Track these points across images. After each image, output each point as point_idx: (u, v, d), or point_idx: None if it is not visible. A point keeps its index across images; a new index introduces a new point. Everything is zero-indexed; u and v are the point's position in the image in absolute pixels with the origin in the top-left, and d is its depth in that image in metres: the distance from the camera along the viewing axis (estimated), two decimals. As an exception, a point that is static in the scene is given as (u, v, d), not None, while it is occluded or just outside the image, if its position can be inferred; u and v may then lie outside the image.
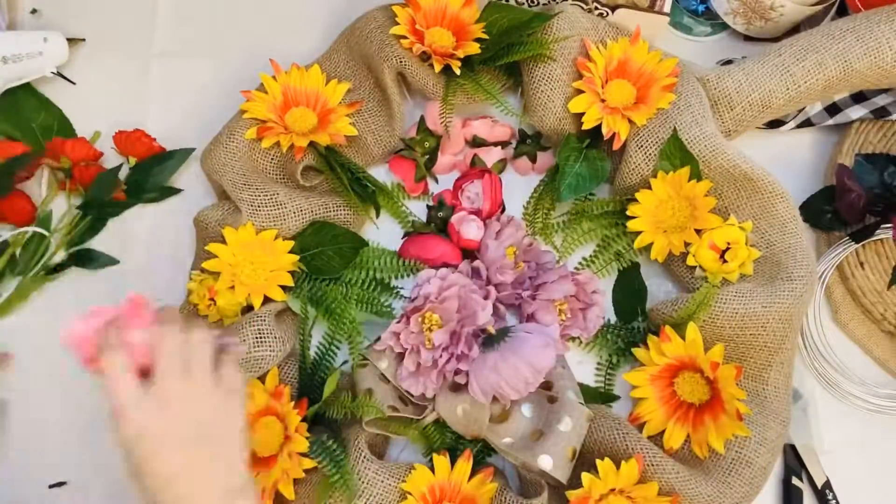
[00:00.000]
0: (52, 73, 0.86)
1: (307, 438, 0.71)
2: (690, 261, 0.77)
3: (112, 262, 0.84)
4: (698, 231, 0.77)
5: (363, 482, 0.71)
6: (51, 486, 0.78)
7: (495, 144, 0.86)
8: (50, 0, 0.92)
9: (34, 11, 0.92)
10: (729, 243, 0.76)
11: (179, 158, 0.86)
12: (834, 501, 0.78)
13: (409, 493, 0.70)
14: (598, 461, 0.70)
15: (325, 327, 0.79)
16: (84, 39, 0.90)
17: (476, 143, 0.85)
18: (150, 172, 0.85)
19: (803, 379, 0.82)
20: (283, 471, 0.70)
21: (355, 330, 0.77)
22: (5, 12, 0.88)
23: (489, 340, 0.73)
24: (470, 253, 0.81)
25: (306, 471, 0.71)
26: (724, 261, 0.76)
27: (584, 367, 0.81)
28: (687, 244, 0.77)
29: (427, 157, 0.84)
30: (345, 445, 0.72)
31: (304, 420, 0.72)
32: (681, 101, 0.78)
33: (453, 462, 0.72)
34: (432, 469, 0.72)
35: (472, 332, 0.74)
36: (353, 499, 0.70)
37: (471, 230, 0.79)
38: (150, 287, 0.82)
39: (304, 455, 0.71)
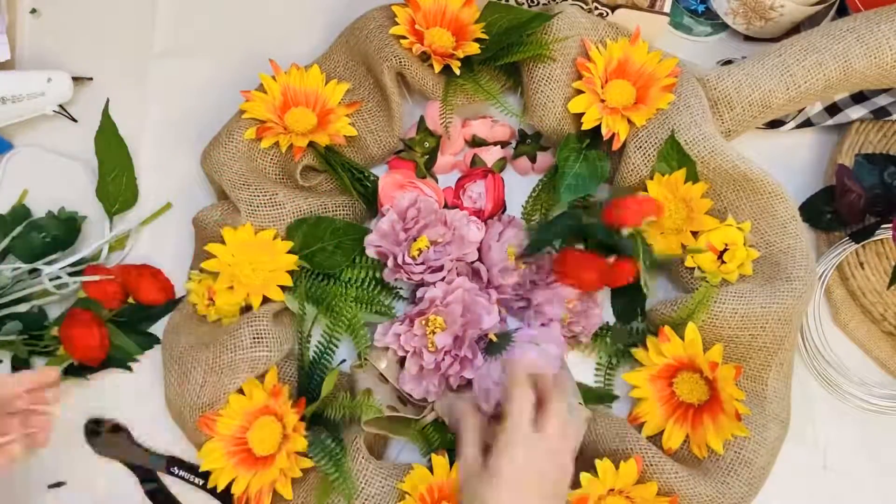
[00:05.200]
0: (54, 111, 0.85)
1: (305, 437, 0.71)
2: (689, 262, 0.77)
3: None
4: (695, 233, 0.77)
5: (362, 482, 0.71)
6: (50, 486, 0.79)
7: (495, 144, 0.85)
8: (50, 0, 0.92)
9: (34, 11, 0.92)
10: (727, 244, 0.76)
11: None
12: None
13: (408, 493, 0.71)
14: (596, 461, 0.70)
15: (323, 327, 0.79)
16: (91, 78, 0.88)
17: (476, 142, 0.85)
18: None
19: (803, 379, 0.82)
20: (281, 470, 0.70)
21: (358, 325, 0.77)
22: (5, 12, 0.88)
23: (491, 347, 0.73)
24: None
25: (304, 471, 0.71)
26: (723, 262, 0.76)
27: (584, 367, 0.81)
28: (684, 246, 0.77)
29: (427, 157, 0.84)
30: (343, 445, 0.72)
31: (302, 419, 0.72)
32: (680, 101, 0.78)
33: (452, 462, 0.72)
34: (431, 469, 0.72)
35: (475, 337, 0.74)
36: (353, 498, 0.70)
37: (471, 232, 0.79)
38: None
39: (302, 455, 0.71)
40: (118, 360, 0.79)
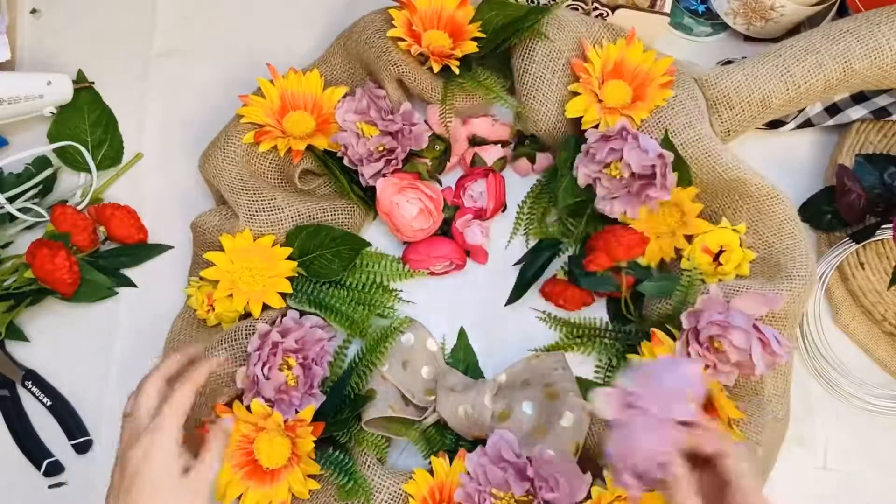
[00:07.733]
0: (52, 112, 0.85)
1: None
2: (685, 264, 0.77)
3: None
4: (688, 237, 0.77)
5: (373, 489, 0.72)
6: (50, 487, 0.79)
7: (495, 143, 0.85)
8: (50, 0, 0.92)
9: (34, 11, 0.92)
10: (722, 247, 0.76)
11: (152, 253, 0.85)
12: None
13: (412, 497, 0.71)
14: (605, 471, 0.70)
15: (361, 346, 0.78)
16: (93, 83, 0.88)
17: (476, 141, 0.85)
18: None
19: (803, 379, 0.82)
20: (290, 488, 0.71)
21: (366, 323, 0.78)
22: (5, 12, 0.88)
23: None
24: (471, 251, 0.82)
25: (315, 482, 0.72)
26: (719, 263, 0.76)
27: (584, 368, 0.81)
28: (678, 250, 0.77)
29: (437, 160, 0.84)
30: (350, 454, 0.73)
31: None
32: (675, 102, 0.78)
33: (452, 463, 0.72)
34: (431, 472, 0.72)
35: None
36: (371, 499, 0.71)
37: (474, 235, 0.80)
38: (149, 290, 0.83)
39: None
40: (90, 293, 0.80)
